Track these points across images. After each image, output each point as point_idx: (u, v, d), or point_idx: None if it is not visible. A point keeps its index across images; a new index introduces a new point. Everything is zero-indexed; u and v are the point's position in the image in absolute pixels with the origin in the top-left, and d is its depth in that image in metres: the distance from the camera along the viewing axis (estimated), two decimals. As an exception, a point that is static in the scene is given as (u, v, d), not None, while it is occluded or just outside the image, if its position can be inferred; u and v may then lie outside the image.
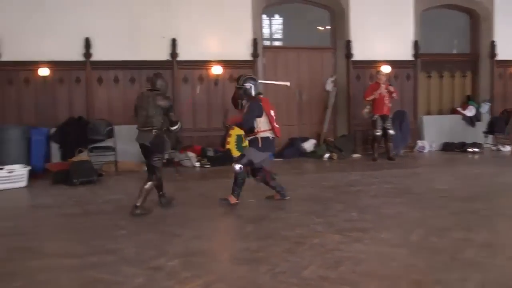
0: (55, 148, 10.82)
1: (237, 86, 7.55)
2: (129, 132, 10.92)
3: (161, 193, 7.52)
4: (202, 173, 10.33)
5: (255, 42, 12.06)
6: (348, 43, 12.95)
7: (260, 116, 7.38)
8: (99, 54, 11.32)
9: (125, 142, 10.61)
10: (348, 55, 13.00)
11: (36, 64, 11.14)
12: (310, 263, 5.01)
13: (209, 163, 11.03)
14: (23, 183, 9.32)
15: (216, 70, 11.81)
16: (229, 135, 11.76)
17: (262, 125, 7.43)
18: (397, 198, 7.80)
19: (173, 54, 11.62)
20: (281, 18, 13.19)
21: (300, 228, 6.23)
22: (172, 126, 7.21)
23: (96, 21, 11.26)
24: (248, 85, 7.46)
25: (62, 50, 11.16)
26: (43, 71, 11.14)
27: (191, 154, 10.96)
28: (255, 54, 12.10)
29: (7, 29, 10.96)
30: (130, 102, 11.43)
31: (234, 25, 11.92)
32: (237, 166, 7.42)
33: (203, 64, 11.85)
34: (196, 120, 11.95)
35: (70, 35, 11.17)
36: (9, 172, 9.22)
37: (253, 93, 7.49)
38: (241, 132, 11.79)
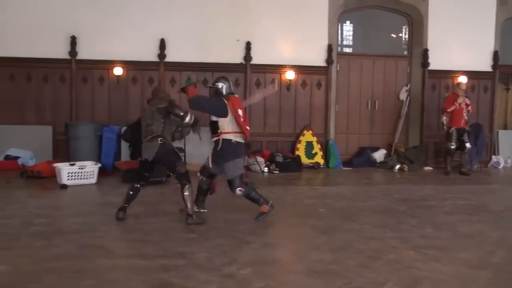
0: (125, 146, 10.91)
1: (209, 85, 7.22)
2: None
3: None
4: (270, 179, 10.18)
5: (330, 48, 11.85)
6: (425, 52, 12.55)
7: (220, 114, 6.71)
8: (173, 55, 11.37)
9: (194, 144, 10.58)
10: (425, 64, 12.60)
11: (111, 63, 11.29)
12: (387, 280, 4.76)
13: (277, 169, 10.87)
14: (93, 180, 9.42)
15: (289, 75, 11.65)
16: (299, 141, 11.59)
17: (226, 125, 6.71)
18: (474, 216, 7.42)
19: (247, 57, 11.53)
20: (351, 24, 12.91)
21: (374, 242, 5.98)
22: (184, 118, 6.61)
23: (172, 22, 11.32)
24: (219, 84, 6.85)
25: (136, 50, 11.28)
26: (117, 71, 11.27)
27: (260, 159, 10.83)
28: (329, 61, 11.88)
29: (84, 28, 11.17)
30: (202, 104, 11.55)
31: (310, 31, 11.75)
32: (238, 191, 6.81)
33: (277, 69, 11.73)
34: (266, 125, 11.84)
35: (145, 36, 11.28)
36: (80, 168, 9.33)
37: (224, 92, 6.82)
38: (312, 139, 11.63)
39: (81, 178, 9.29)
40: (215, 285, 4.60)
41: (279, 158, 11.09)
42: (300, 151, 11.62)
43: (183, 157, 10.70)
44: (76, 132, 10.41)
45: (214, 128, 6.79)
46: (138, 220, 6.68)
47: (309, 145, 11.72)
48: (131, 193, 6.71)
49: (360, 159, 12.15)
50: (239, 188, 6.82)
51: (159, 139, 6.50)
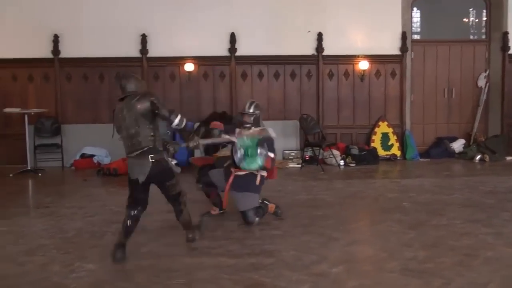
0: (199, 142, 10.92)
1: (246, 112, 6.52)
2: (272, 128, 10.87)
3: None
4: (347, 172, 9.98)
5: (403, 36, 11.50)
6: (505, 35, 12.00)
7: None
8: (244, 49, 11.29)
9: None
10: (504, 48, 12.05)
11: (182, 59, 11.32)
12: (490, 280, 4.53)
13: (354, 161, 10.65)
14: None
15: (363, 65, 11.38)
16: (374, 133, 11.32)
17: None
18: None
19: (319, 48, 11.34)
20: (418, 10, 12.46)
21: (468, 238, 5.74)
22: (173, 120, 5.17)
23: (241, 16, 11.24)
24: (257, 112, 6.56)
25: (207, 46, 11.26)
26: (188, 67, 11.30)
27: (335, 152, 10.63)
28: (403, 49, 11.54)
29: (154, 26, 11.23)
30: (274, 97, 11.48)
31: (382, 18, 11.42)
32: (255, 220, 6.31)
33: (349, 59, 11.48)
34: (340, 117, 11.61)
35: (215, 30, 11.25)
36: (156, 166, 9.36)
37: (260, 121, 6.62)
38: (387, 130, 11.35)
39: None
40: (307, 285, 4.49)
41: (355, 151, 10.87)
42: (376, 142, 11.35)
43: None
44: (149, 130, 10.51)
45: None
46: (219, 217, 6.62)
47: (385, 136, 11.43)
48: (128, 224, 5.28)
49: (437, 150, 11.76)
50: (255, 218, 6.29)
51: (150, 156, 5.07)
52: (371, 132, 11.45)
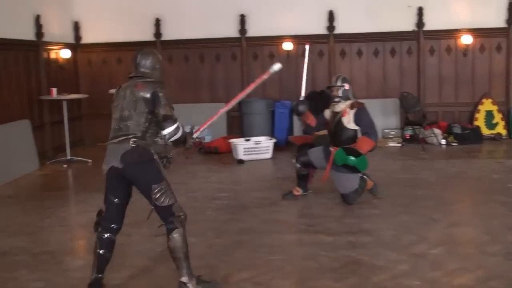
0: (297, 121, 10.95)
1: (334, 85, 6.35)
2: (370, 106, 10.72)
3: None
4: (449, 152, 9.69)
5: (510, 7, 10.91)
6: None
7: None
8: (342, 27, 11.16)
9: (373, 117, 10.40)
10: None
11: (280, 38, 11.35)
12: None
13: (456, 140, 10.31)
14: (268, 155, 9.61)
15: (466, 39, 10.93)
16: (478, 111, 10.90)
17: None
18: None
19: (419, 23, 11.00)
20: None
21: None
22: (164, 128, 4.03)
23: (340, -7, 11.13)
24: (346, 85, 6.34)
25: (305, 24, 11.22)
26: (287, 45, 11.32)
27: (436, 131, 10.34)
28: (510, 21, 10.94)
29: (252, 6, 11.30)
30: (373, 75, 11.31)
31: (487, -11, 10.92)
32: (355, 201, 6.28)
33: (452, 34, 11.05)
34: (442, 94, 11.24)
35: (313, 9, 11.18)
36: (255, 144, 9.56)
37: (351, 95, 6.39)
38: (492, 108, 10.89)
39: (257, 153, 9.52)
40: (406, 265, 4.47)
41: (457, 129, 10.50)
42: (480, 121, 10.90)
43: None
44: (249, 108, 10.65)
45: (349, 138, 6.28)
46: (318, 195, 6.66)
47: (489, 114, 10.95)
48: (100, 252, 4.11)
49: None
50: (355, 200, 6.27)
51: (132, 139, 4.00)
52: (475, 110, 11.01)
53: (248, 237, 5.33)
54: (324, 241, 5.13)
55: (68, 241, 5.55)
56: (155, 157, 4.03)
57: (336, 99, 6.34)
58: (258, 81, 4.89)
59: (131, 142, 3.97)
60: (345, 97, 6.33)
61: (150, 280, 4.41)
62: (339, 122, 6.28)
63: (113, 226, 4.16)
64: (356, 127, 6.24)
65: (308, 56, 5.26)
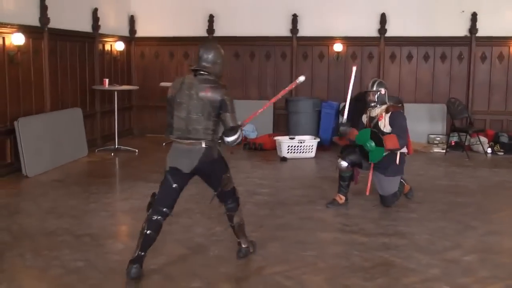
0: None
1: (370, 90, 6.30)
2: (417, 110, 10.69)
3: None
4: (493, 161, 9.55)
5: None
6: None
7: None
8: (393, 30, 11.11)
9: (413, 121, 10.28)
10: None
11: (331, 39, 11.38)
12: None
13: (502, 150, 10.15)
14: (312, 154, 9.68)
15: (520, 47, 10.75)
16: None
17: None
18: None
19: (472, 29, 10.85)
20: None
21: None
22: (227, 136, 4.33)
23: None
24: (382, 89, 6.26)
25: (356, 26, 11.22)
26: (337, 47, 11.34)
27: (483, 139, 10.19)
28: None
29: (304, 6, 11.36)
30: (422, 79, 11.22)
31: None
32: (394, 203, 6.34)
33: (505, 41, 10.84)
34: (491, 102, 11.06)
35: (365, 11, 11.17)
36: (300, 142, 9.64)
37: (387, 99, 6.33)
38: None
39: (300, 152, 9.60)
40: (437, 269, 4.49)
41: (504, 139, 10.32)
42: (533, 131, 10.72)
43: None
44: (296, 107, 10.72)
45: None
46: (356, 196, 6.69)
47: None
48: (147, 232, 4.37)
49: None
50: (394, 203, 6.35)
51: (203, 141, 4.33)
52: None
53: (284, 233, 5.43)
54: (358, 241, 5.19)
55: (110, 226, 5.75)
56: (222, 152, 4.48)
57: (372, 104, 6.32)
58: (287, 90, 5.00)
59: (204, 145, 4.31)
60: (381, 102, 6.30)
61: (184, 268, 4.55)
62: (376, 127, 6.25)
63: (165, 210, 4.42)
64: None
65: (295, 84, 5.26)
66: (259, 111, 4.78)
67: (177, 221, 5.65)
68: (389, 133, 6.13)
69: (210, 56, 4.39)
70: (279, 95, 4.89)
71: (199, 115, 4.27)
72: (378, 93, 6.28)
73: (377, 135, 6.07)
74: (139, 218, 5.80)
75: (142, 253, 4.33)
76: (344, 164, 6.31)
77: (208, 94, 4.25)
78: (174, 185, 4.42)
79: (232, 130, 4.30)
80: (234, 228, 4.73)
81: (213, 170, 4.45)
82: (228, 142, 4.34)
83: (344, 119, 6.46)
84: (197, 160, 4.33)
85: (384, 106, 6.29)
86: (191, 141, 4.32)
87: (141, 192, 6.86)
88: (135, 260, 4.30)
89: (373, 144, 6.04)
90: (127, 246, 4.91)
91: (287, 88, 4.97)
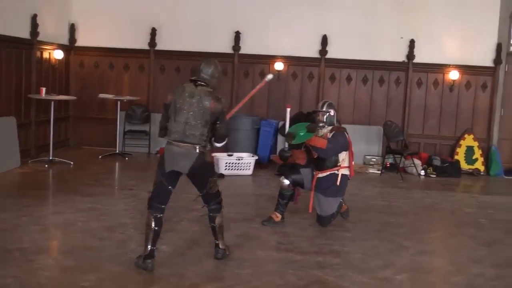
0: (281, 140, 11.06)
1: (320, 110, 6.46)
2: (354, 132, 10.85)
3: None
4: (426, 183, 9.84)
5: (499, 48, 11.15)
6: None
7: (346, 149, 6.37)
8: (334, 52, 11.32)
9: (353, 143, 10.55)
10: None
11: (272, 58, 11.49)
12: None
13: (435, 172, 10.48)
14: (249, 171, 9.70)
15: (453, 75, 11.14)
16: (459, 145, 11.07)
17: (343, 159, 6.38)
18: None
19: (410, 55, 11.20)
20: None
21: (545, 261, 5.57)
22: (218, 142, 5.02)
23: (334, 19, 11.26)
24: (332, 111, 6.44)
25: (298, 46, 11.36)
26: (278, 65, 11.46)
27: (417, 162, 10.49)
28: (497, 61, 11.17)
29: (248, 24, 11.42)
30: (360, 101, 11.44)
31: (478, 28, 11.09)
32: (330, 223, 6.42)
33: (440, 68, 11.26)
34: (425, 126, 11.41)
35: (308, 32, 11.33)
36: (237, 159, 9.65)
37: (335, 120, 6.50)
38: (473, 144, 11.07)
39: (238, 169, 9.61)
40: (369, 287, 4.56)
41: (437, 162, 10.67)
42: (460, 155, 11.07)
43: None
44: (235, 124, 10.74)
45: (332, 162, 6.36)
46: (293, 215, 6.73)
47: (470, 150, 11.13)
48: (155, 228, 4.81)
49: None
50: (330, 223, 6.42)
51: (197, 146, 4.79)
52: (456, 144, 11.19)
53: (219, 251, 5.39)
54: (293, 259, 5.22)
55: (42, 240, 5.56)
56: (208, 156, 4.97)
57: (320, 124, 6.43)
58: (258, 88, 5.62)
59: (197, 150, 4.76)
60: (330, 123, 6.43)
61: (117, 285, 4.46)
62: None
63: (163, 207, 4.87)
64: None
65: (265, 83, 5.41)
66: (228, 115, 5.29)
67: (110, 236, 5.55)
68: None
69: (210, 70, 4.93)
70: (249, 96, 5.37)
71: (197, 122, 4.76)
72: (328, 114, 6.41)
73: (312, 130, 6.33)
74: (72, 233, 5.71)
75: (155, 247, 4.79)
76: (286, 182, 6.37)
77: (212, 105, 4.78)
78: (169, 187, 4.86)
79: (223, 138, 4.99)
80: (215, 229, 5.12)
81: (202, 173, 4.88)
82: (218, 147, 5.09)
83: (285, 147, 6.56)
84: (192, 162, 4.76)
85: (330, 127, 6.41)
86: (187, 144, 4.76)
87: (75, 206, 6.70)
88: (150, 255, 4.74)
89: (302, 133, 6.24)
90: (58, 262, 4.78)
91: (257, 87, 5.44)
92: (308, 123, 6.55)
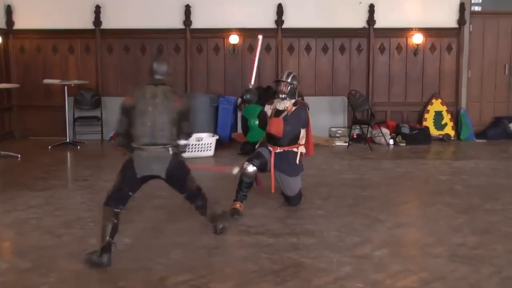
0: (242, 118, 10.96)
1: (283, 80, 6.22)
2: (317, 104, 10.85)
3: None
4: (396, 152, 9.89)
5: (462, 7, 11.22)
6: None
7: (305, 127, 6.23)
8: (291, 21, 11.20)
9: (314, 115, 10.45)
10: None
11: (227, 31, 11.33)
12: (545, 269, 4.45)
13: (404, 141, 10.54)
14: (210, 153, 9.58)
15: (416, 38, 11.17)
16: (427, 111, 11.17)
17: (302, 137, 6.23)
18: None
19: (370, 21, 11.17)
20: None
21: (524, 224, 5.63)
22: (184, 139, 5.07)
23: (289, -15, 11.19)
24: (295, 83, 6.25)
25: (253, 17, 11.22)
26: (233, 39, 11.30)
27: (384, 131, 10.53)
28: (461, 21, 11.26)
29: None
30: (322, 72, 11.33)
31: (440, -12, 11.19)
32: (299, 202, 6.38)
33: (402, 33, 11.27)
34: (391, 93, 11.45)
35: (262, 1, 11.20)
36: (197, 141, 9.50)
37: (297, 94, 6.29)
38: (441, 108, 11.17)
39: (198, 151, 9.47)
40: (349, 267, 4.52)
41: (406, 130, 10.73)
42: (428, 121, 11.17)
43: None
44: (191, 104, 10.58)
45: (291, 138, 6.16)
46: (260, 196, 6.63)
47: (438, 115, 11.23)
48: (115, 221, 4.72)
49: (495, 130, 11.49)
50: (299, 202, 6.36)
51: (169, 147, 4.82)
52: (424, 110, 11.28)
53: (186, 238, 5.28)
54: (266, 242, 5.14)
55: (-9, 242, 5.37)
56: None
57: (282, 96, 6.21)
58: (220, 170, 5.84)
59: (170, 151, 4.79)
60: (291, 95, 6.23)
61: (78, 285, 4.30)
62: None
63: (124, 203, 4.85)
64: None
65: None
66: None
67: (68, 232, 5.38)
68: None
69: (164, 69, 4.95)
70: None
71: (165, 121, 4.76)
72: (291, 86, 6.19)
73: (264, 116, 6.20)
74: (25, 232, 5.50)
75: (112, 240, 4.63)
76: (252, 168, 6.04)
77: (179, 102, 4.85)
78: (130, 193, 4.87)
79: (189, 135, 5.09)
80: (207, 218, 5.32)
81: (179, 173, 4.96)
82: (183, 144, 5.03)
83: (251, 85, 6.47)
84: (167, 164, 4.79)
85: (293, 100, 6.21)
86: (159, 147, 4.76)
87: (26, 202, 6.48)
88: (106, 249, 4.59)
89: (257, 123, 6.07)
90: (13, 265, 4.59)
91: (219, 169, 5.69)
92: (261, 109, 6.34)
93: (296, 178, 6.25)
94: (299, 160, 6.20)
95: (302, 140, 6.24)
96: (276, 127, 6.05)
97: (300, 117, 6.15)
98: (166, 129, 4.78)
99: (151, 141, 4.74)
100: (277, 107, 6.24)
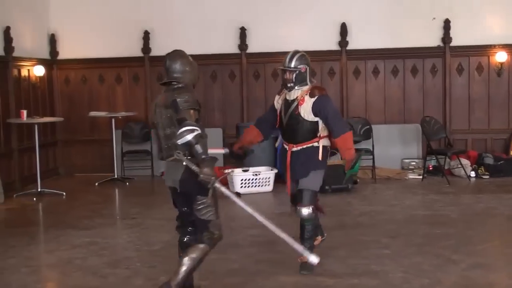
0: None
1: (286, 67, 5.59)
2: (388, 132, 10.94)
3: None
4: (478, 185, 9.84)
5: (549, 24, 11.15)
6: None
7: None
8: (356, 42, 11.33)
9: (384, 145, 10.60)
10: None
11: (285, 55, 11.52)
12: None
13: (487, 173, 10.47)
14: (269, 187, 9.79)
15: (500, 57, 11.09)
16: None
17: (323, 128, 5.67)
18: None
19: (445, 38, 11.20)
20: None
21: None
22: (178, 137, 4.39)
23: (352, 4, 11.33)
24: (303, 66, 5.60)
25: (313, 39, 11.36)
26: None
27: (464, 161, 10.48)
28: (550, 36, 11.18)
29: (253, 18, 11.51)
30: (392, 97, 11.48)
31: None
32: (305, 211, 5.63)
33: (483, 50, 11.23)
34: (471, 119, 11.40)
35: (323, 21, 11.36)
36: (254, 175, 9.72)
37: (308, 78, 5.66)
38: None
39: (255, 186, 9.68)
40: (415, 311, 4.60)
41: (489, 160, 10.64)
42: (523, 149, 11.09)
43: (371, 160, 10.62)
44: (248, 135, 10.81)
45: (309, 131, 5.66)
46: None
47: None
48: (180, 254, 4.83)
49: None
50: (310, 207, 5.65)
51: (185, 158, 4.49)
52: (511, 138, 11.16)
53: (238, 279, 5.47)
54: (325, 284, 5.27)
55: (34, 284, 5.67)
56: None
57: (289, 85, 5.61)
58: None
59: (184, 162, 4.47)
60: (300, 82, 5.61)
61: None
62: (294, 113, 5.62)
63: (190, 229, 4.83)
64: (316, 119, 5.59)
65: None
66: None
67: (113, 272, 5.66)
68: (313, 121, 5.60)
69: (177, 65, 4.74)
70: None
71: (172, 128, 4.59)
72: (298, 71, 5.59)
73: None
74: (69, 272, 5.82)
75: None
76: (306, 211, 5.65)
77: (162, 104, 4.70)
78: (184, 209, 4.83)
79: (180, 124, 4.38)
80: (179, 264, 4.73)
81: (191, 188, 4.59)
82: (183, 143, 4.34)
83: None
84: (179, 176, 4.61)
85: (305, 88, 5.63)
86: (173, 157, 4.58)
87: (70, 242, 6.83)
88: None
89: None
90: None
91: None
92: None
93: (315, 172, 5.64)
94: (322, 156, 5.64)
95: (324, 132, 5.67)
96: (346, 143, 5.63)
97: (334, 110, 5.68)
98: (171, 136, 4.60)
99: (167, 153, 4.71)
100: (287, 97, 5.71)
